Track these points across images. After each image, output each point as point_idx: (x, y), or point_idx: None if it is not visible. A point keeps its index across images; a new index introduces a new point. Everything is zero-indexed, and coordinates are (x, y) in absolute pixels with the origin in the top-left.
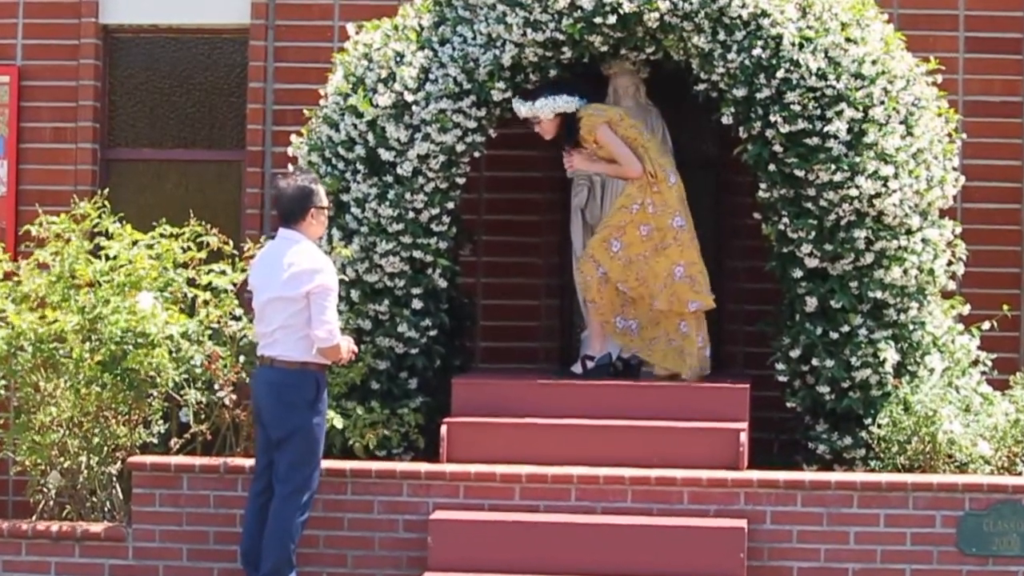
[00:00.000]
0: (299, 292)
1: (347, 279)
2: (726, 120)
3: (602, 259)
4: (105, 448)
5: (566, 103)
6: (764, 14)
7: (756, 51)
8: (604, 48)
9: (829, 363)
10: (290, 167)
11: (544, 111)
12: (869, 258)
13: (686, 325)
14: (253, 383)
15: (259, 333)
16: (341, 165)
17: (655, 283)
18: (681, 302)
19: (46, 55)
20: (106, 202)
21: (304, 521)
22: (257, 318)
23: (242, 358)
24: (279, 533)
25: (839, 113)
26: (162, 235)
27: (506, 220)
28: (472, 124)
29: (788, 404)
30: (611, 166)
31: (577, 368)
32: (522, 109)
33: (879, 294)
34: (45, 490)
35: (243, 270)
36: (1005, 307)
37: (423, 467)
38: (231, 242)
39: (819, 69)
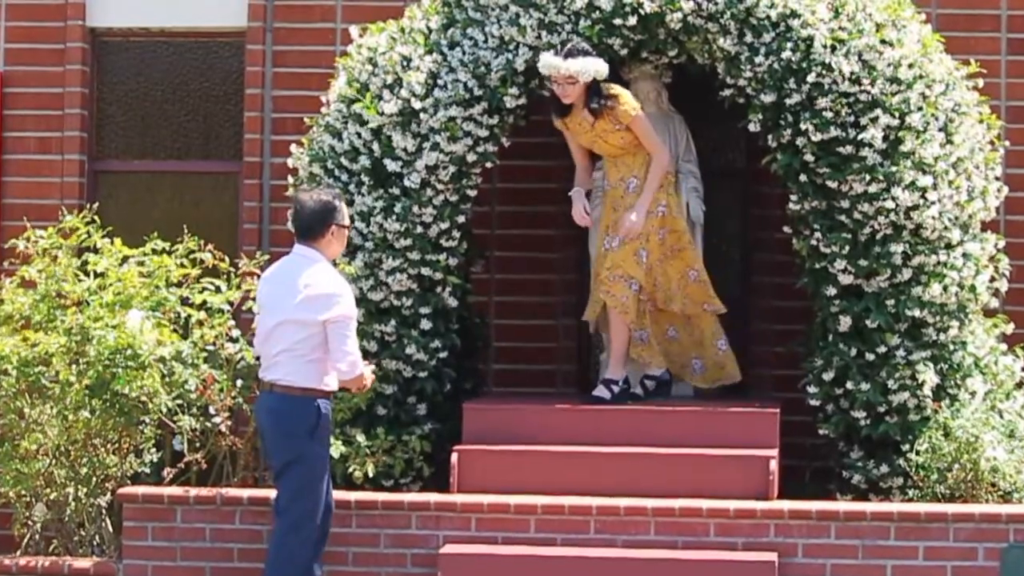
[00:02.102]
0: (314, 318)
1: None
2: (754, 127)
3: (635, 273)
4: (94, 478)
5: (604, 68)
6: (794, 14)
7: (785, 54)
8: (624, 51)
9: (864, 386)
10: (290, 179)
11: (585, 73)
12: (906, 274)
13: (673, 330)
14: (254, 409)
15: (262, 354)
16: (344, 177)
17: (668, 287)
18: (695, 304)
19: (30, 60)
20: (95, 217)
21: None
22: (262, 338)
23: (239, 382)
24: (280, 570)
25: (874, 120)
26: (154, 251)
27: (520, 235)
28: (484, 133)
29: (821, 430)
30: (649, 195)
31: (604, 393)
32: (562, 66)
33: (917, 312)
34: (30, 523)
35: (239, 287)
36: None
37: (432, 498)
38: (227, 259)
39: (852, 73)
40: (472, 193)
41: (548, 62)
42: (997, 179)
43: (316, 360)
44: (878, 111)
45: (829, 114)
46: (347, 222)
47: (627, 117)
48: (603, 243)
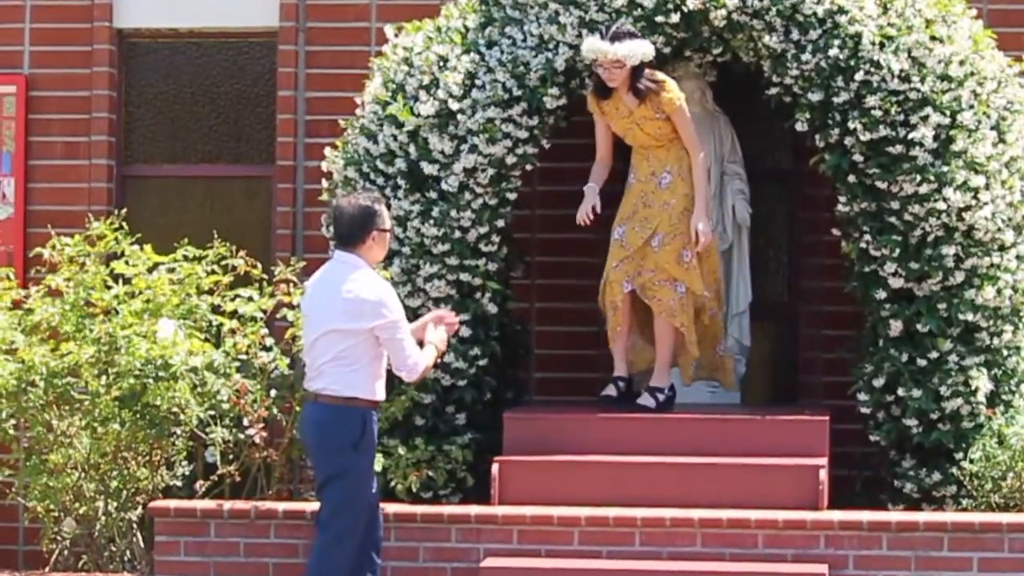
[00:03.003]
0: (360, 326)
1: None
2: (801, 127)
3: (679, 275)
4: (124, 492)
5: (651, 51)
6: (841, 11)
7: (833, 51)
8: (667, 49)
9: (916, 393)
10: (324, 183)
11: (632, 57)
12: (959, 277)
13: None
14: (299, 420)
15: (307, 365)
16: (380, 180)
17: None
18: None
19: (56, 63)
20: (123, 223)
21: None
22: (306, 348)
23: (273, 392)
24: None
25: (924, 119)
26: (185, 258)
27: (561, 239)
28: (523, 134)
29: (872, 438)
30: (703, 196)
31: (648, 401)
32: (609, 50)
33: (970, 316)
34: (59, 538)
35: (272, 295)
36: None
37: (473, 510)
38: (260, 265)
39: (902, 70)
40: (512, 196)
41: (594, 46)
42: None
43: (361, 368)
44: (928, 110)
45: (878, 113)
46: (388, 226)
47: (671, 106)
48: (614, 233)
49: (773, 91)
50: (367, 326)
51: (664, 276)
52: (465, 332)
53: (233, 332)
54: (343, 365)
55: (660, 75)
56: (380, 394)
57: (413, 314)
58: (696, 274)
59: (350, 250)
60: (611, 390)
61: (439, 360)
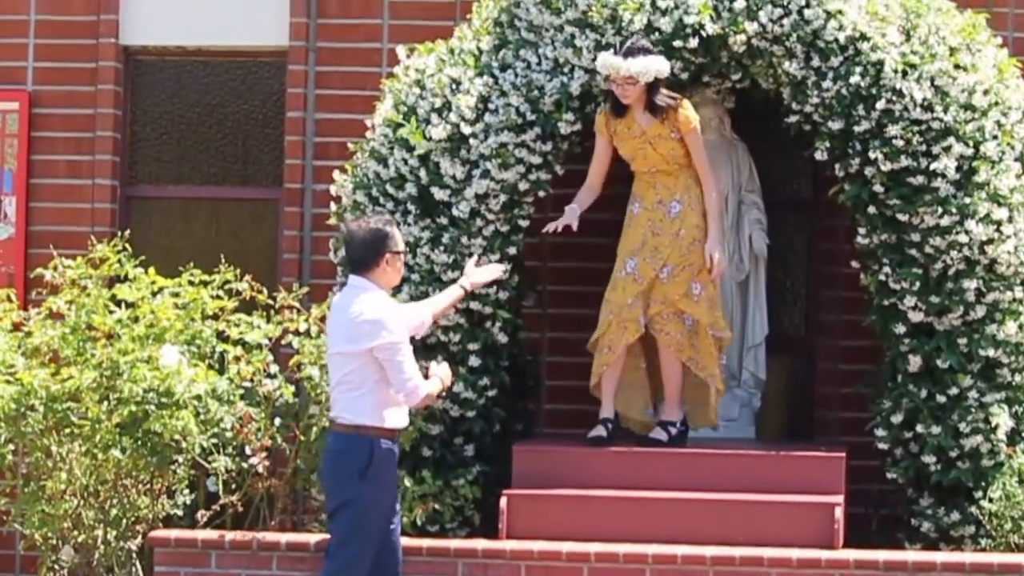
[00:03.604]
0: (359, 347)
1: None
2: (820, 156)
3: (687, 307)
4: (124, 520)
5: (666, 67)
6: (863, 38)
7: (854, 79)
8: (684, 75)
9: (935, 429)
10: (332, 207)
11: (646, 74)
12: (980, 312)
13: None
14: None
15: (329, 392)
16: (390, 205)
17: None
18: None
19: (60, 79)
20: (127, 245)
21: None
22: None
23: (277, 420)
24: None
25: (947, 149)
26: (190, 282)
27: (574, 268)
28: (536, 160)
29: (889, 475)
30: (717, 225)
31: (661, 435)
32: (622, 66)
33: (991, 352)
34: (57, 567)
35: (280, 323)
36: None
37: (480, 544)
38: (265, 290)
39: (924, 99)
40: (524, 223)
41: (607, 62)
42: None
43: (367, 393)
44: (951, 140)
45: (900, 142)
46: (401, 248)
47: (687, 124)
48: (624, 267)
49: (793, 119)
50: (366, 347)
51: (672, 309)
52: (475, 362)
53: (237, 359)
54: (349, 390)
55: (676, 94)
56: (392, 421)
57: (422, 342)
58: (705, 307)
59: (362, 274)
60: (600, 431)
61: (445, 392)
